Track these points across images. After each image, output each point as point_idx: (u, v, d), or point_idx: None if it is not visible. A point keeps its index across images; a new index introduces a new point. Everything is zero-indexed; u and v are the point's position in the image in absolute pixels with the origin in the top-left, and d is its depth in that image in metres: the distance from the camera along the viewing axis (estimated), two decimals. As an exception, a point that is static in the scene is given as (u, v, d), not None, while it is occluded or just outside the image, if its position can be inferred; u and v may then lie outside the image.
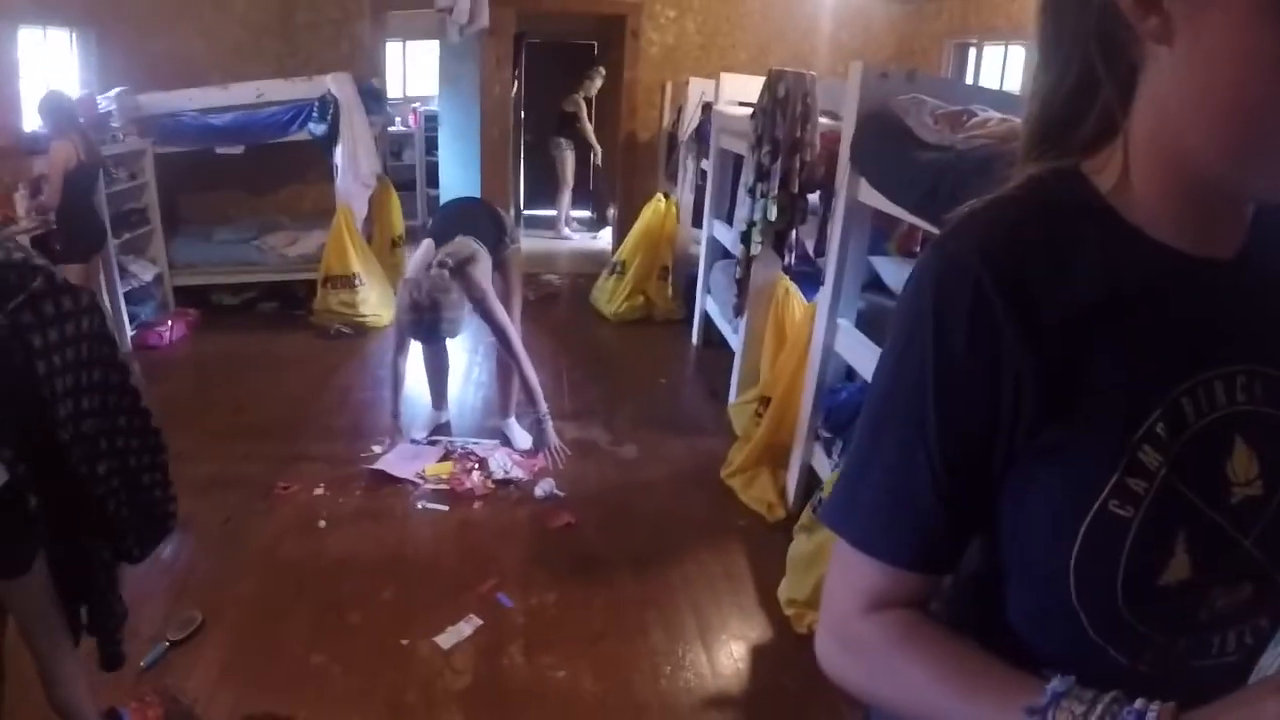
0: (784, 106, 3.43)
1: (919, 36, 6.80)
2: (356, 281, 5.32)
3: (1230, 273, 0.65)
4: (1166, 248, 0.63)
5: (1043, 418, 0.62)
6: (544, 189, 8.67)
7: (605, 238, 7.99)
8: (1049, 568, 0.64)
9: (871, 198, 2.71)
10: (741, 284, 3.90)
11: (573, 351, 5.13)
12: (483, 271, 3.41)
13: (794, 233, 3.58)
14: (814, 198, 3.49)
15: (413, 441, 3.72)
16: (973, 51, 6.45)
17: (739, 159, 4.07)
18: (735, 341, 4.26)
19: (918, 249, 4.17)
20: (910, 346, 0.65)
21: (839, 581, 0.72)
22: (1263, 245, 0.67)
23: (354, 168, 5.41)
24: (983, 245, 0.63)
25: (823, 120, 3.44)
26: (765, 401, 3.54)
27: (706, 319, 5.13)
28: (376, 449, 3.66)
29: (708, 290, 5.06)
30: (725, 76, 4.85)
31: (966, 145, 2.22)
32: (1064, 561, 0.62)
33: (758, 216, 3.56)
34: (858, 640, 0.70)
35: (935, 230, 2.45)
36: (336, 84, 5.26)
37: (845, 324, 2.98)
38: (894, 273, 3.81)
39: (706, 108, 5.02)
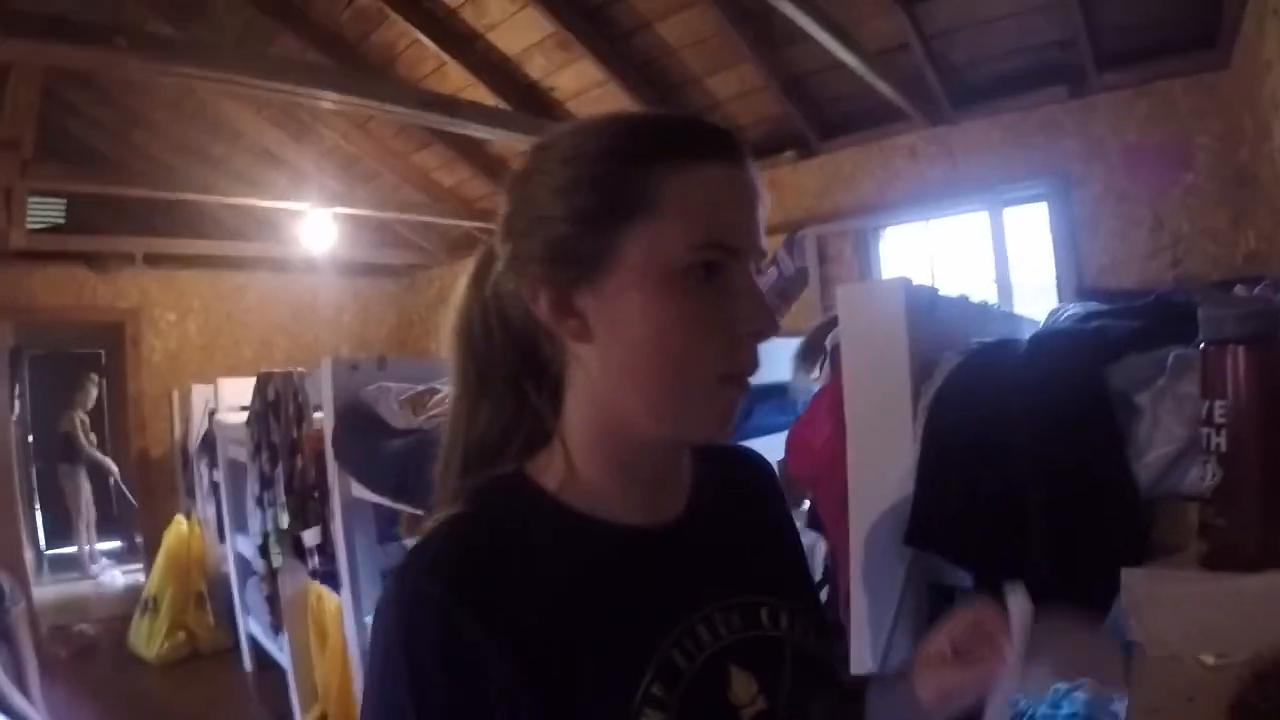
0: (276, 409, 3.34)
1: (416, 307, 7.19)
2: None
3: (682, 528, 0.73)
4: (619, 525, 0.70)
5: (548, 717, 0.62)
6: (65, 524, 7.43)
7: (138, 569, 6.96)
8: None
9: (362, 491, 2.67)
10: (272, 600, 3.57)
11: (119, 713, 4.25)
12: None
13: (312, 535, 3.39)
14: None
15: None
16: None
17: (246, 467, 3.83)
18: (284, 659, 3.84)
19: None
20: (387, 688, 0.63)
21: None
22: (701, 498, 0.77)
23: None
24: (441, 569, 0.64)
25: (318, 414, 3.39)
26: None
27: (254, 641, 4.57)
28: None
29: (247, 611, 4.56)
30: (226, 381, 4.67)
31: (430, 424, 2.28)
32: None
33: (270, 526, 3.34)
34: None
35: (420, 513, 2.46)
36: None
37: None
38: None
39: (210, 416, 4.74)
